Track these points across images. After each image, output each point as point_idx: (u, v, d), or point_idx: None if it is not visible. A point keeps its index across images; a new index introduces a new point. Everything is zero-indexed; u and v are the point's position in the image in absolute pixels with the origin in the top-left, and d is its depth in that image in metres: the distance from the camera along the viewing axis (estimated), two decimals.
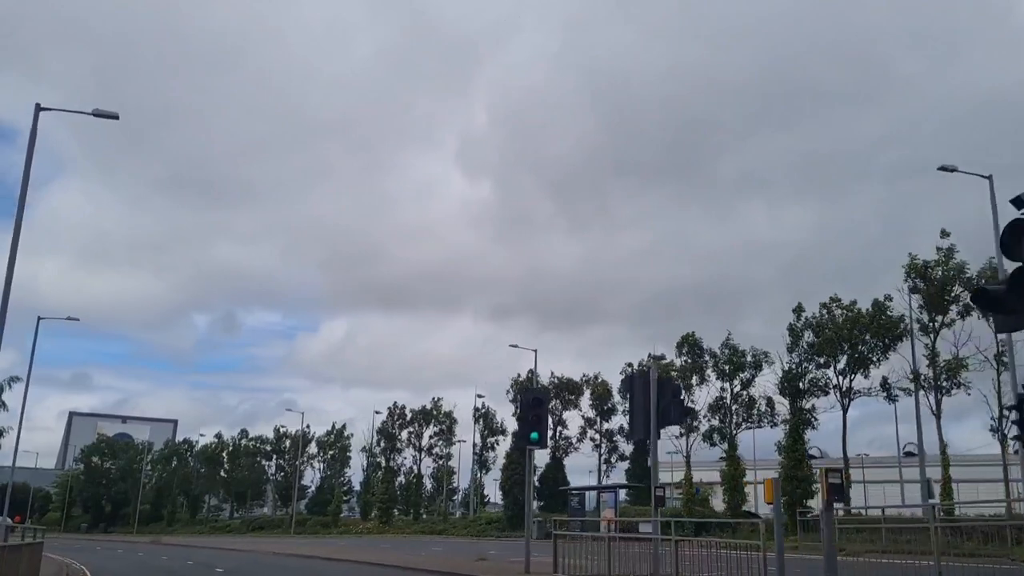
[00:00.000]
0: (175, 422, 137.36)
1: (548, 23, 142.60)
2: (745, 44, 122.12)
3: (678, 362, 48.88)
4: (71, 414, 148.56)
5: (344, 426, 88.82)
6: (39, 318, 45.56)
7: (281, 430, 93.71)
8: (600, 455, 62.73)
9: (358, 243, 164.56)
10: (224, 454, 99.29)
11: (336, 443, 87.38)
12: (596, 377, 63.70)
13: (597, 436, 63.04)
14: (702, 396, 47.58)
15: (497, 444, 72.02)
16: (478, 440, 72.29)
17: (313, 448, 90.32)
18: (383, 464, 76.95)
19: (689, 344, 48.59)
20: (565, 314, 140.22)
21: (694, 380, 47.58)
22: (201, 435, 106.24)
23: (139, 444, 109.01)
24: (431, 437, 76.82)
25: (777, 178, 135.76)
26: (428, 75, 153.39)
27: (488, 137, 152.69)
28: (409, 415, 77.27)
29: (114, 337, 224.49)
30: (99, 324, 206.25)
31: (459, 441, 76.90)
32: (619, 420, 60.83)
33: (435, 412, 76.12)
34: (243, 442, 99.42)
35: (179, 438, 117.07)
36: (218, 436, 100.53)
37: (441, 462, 78.32)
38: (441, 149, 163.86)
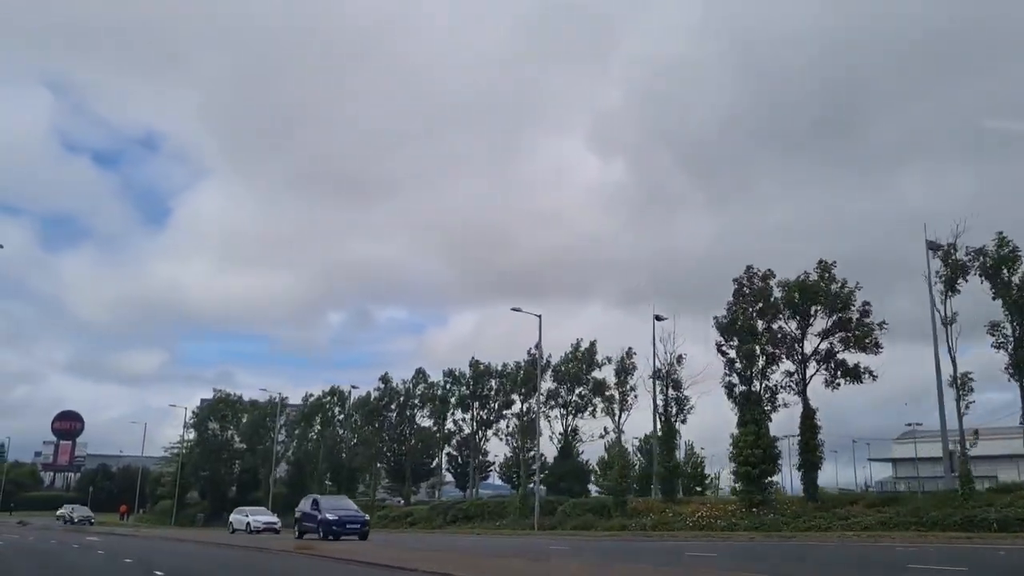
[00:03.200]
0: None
1: None
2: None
3: None
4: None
5: None
6: None
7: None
8: None
9: (487, 232, 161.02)
10: (394, 405, 65.82)
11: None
12: None
13: None
14: None
15: None
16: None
17: None
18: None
19: None
20: (700, 296, 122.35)
21: None
22: (354, 387, 73.34)
23: (271, 398, 77.01)
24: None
25: (938, 142, 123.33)
26: (561, 55, 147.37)
27: (622, 114, 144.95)
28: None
29: (252, 336, 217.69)
30: (239, 322, 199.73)
31: None
32: None
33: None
34: (419, 388, 65.80)
35: None
36: (384, 380, 67.07)
37: None
38: (573, 131, 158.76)
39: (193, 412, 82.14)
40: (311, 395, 77.70)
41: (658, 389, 44.31)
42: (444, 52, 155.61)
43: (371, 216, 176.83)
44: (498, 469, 65.33)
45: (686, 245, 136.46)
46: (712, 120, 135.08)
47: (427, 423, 67.25)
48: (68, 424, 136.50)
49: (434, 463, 74.46)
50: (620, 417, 45.59)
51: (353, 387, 71.93)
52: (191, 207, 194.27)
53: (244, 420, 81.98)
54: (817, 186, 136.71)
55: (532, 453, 49.52)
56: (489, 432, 59.94)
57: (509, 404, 59.54)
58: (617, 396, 45.64)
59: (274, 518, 45.84)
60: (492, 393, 59.71)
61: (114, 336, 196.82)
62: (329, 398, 71.48)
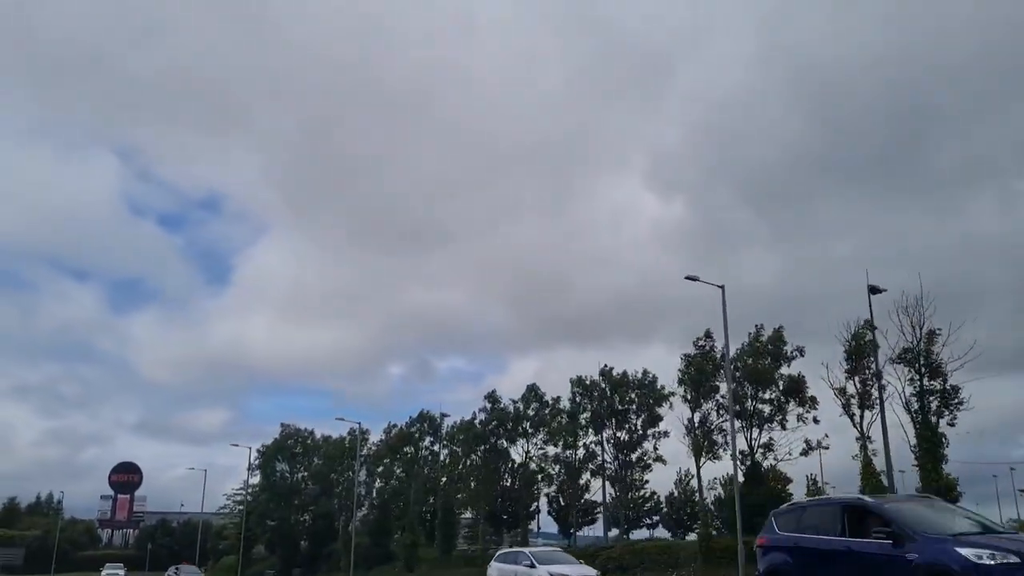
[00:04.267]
0: None
1: (742, 21, 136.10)
2: (968, 17, 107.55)
3: None
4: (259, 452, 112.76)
5: None
6: None
7: None
8: None
9: (545, 277, 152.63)
10: (501, 430, 52.82)
11: None
12: None
13: None
14: None
15: None
16: None
17: None
18: None
19: None
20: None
21: None
22: (444, 415, 60.56)
23: (350, 431, 64.65)
24: None
25: (1009, 163, 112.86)
26: (616, 95, 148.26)
27: (680, 151, 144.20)
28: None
29: (313, 391, 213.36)
30: (300, 378, 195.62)
31: None
32: None
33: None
34: (531, 407, 52.89)
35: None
36: (491, 399, 54.26)
37: None
38: (630, 170, 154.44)
39: (258, 451, 70.57)
40: (394, 426, 65.51)
41: (904, 377, 30.74)
42: (498, 99, 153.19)
43: (429, 265, 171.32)
44: (652, 503, 51.62)
45: (750, 280, 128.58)
46: (772, 152, 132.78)
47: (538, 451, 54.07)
48: (125, 476, 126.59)
49: (533, 505, 61.29)
50: (860, 417, 31.74)
51: (444, 414, 59.50)
52: (252, 264, 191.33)
53: (316, 461, 70.09)
54: (882, 215, 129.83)
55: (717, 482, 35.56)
56: (633, 456, 46.34)
57: (654, 420, 46.25)
58: (854, 387, 31.90)
59: None
60: (634, 407, 46.45)
61: (179, 395, 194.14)
62: (418, 425, 58.99)
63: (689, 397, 39.74)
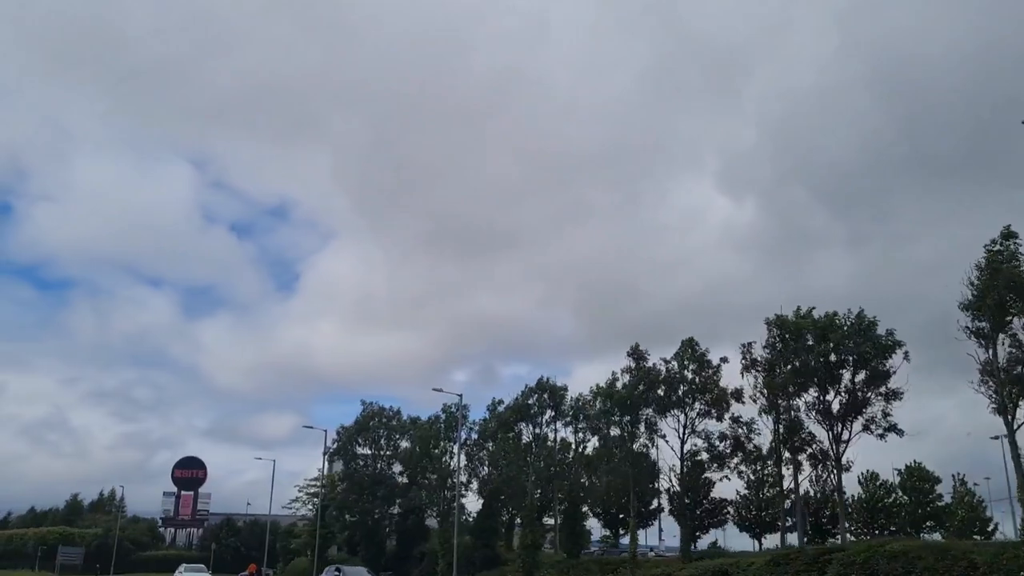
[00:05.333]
0: None
1: (822, 17, 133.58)
2: None
3: None
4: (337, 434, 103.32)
5: None
6: None
7: None
8: None
9: (613, 282, 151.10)
10: (650, 396, 40.52)
11: None
12: None
13: None
14: None
15: None
16: None
17: None
18: None
19: None
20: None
21: None
22: (561, 387, 48.74)
23: (444, 409, 53.40)
24: None
25: None
26: (689, 96, 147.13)
27: (755, 152, 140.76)
28: None
29: (380, 397, 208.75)
30: (367, 384, 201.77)
31: None
32: None
33: None
34: (688, 368, 40.64)
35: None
36: (636, 355, 42.00)
37: None
38: (702, 172, 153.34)
39: (336, 432, 59.83)
40: (500, 402, 53.98)
41: None
42: (570, 102, 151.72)
43: (496, 271, 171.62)
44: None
45: (824, 283, 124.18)
46: (852, 151, 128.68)
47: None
48: (189, 472, 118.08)
49: (654, 502, 49.19)
50: None
51: (560, 386, 47.78)
52: (320, 270, 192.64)
53: (404, 445, 59.19)
54: (965, 216, 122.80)
55: None
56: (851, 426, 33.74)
57: (882, 376, 33.56)
58: None
59: None
60: (850, 360, 33.84)
61: (247, 401, 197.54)
62: (537, 397, 47.37)
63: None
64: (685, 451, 40.48)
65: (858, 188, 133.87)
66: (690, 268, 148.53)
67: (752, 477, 42.95)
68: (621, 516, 51.19)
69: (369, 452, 59.43)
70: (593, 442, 47.97)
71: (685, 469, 40.55)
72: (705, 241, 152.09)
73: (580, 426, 47.64)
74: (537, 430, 47.70)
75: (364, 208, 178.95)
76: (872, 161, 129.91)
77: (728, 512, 44.90)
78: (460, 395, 48.95)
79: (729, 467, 39.97)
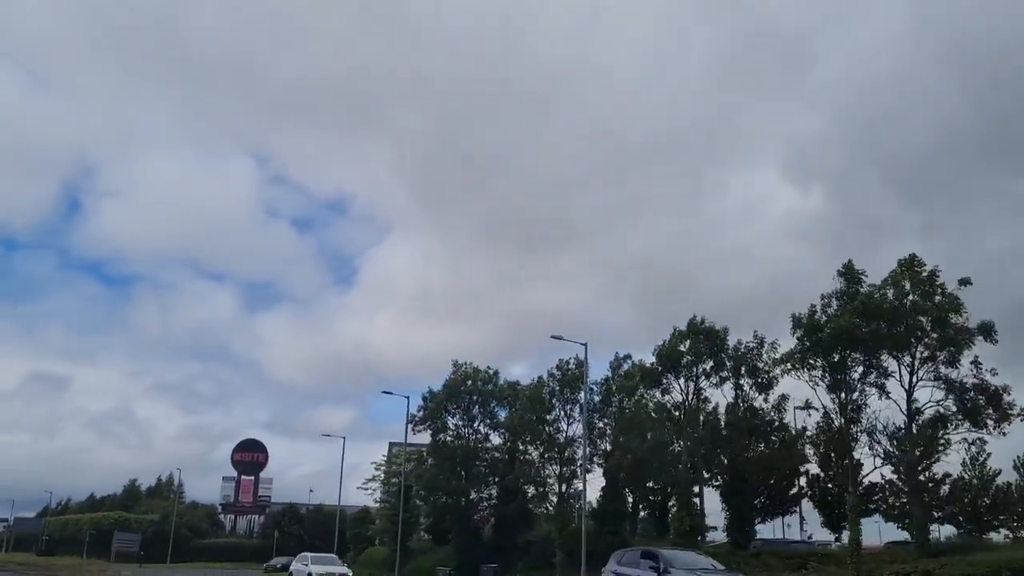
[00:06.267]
0: None
1: None
2: None
3: None
4: (391, 444, 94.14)
5: None
6: None
7: None
8: None
9: (673, 273, 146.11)
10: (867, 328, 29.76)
11: None
12: None
13: None
14: None
15: None
16: None
17: None
18: None
19: None
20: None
21: None
22: (721, 330, 37.96)
23: (561, 365, 43.13)
24: None
25: None
26: (754, 84, 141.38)
27: (823, 139, 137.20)
28: None
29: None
30: (425, 378, 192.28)
31: None
32: None
33: None
34: (908, 296, 29.67)
35: None
36: (848, 275, 31.24)
37: None
38: (767, 162, 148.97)
39: (423, 398, 50.11)
40: (626, 357, 43.61)
41: None
42: (631, 93, 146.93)
43: (556, 263, 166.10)
44: None
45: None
46: (923, 136, 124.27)
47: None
48: (250, 456, 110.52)
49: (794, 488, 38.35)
50: None
51: (719, 329, 37.03)
52: (378, 264, 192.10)
53: (502, 416, 49.38)
54: None
55: None
56: None
57: None
58: None
59: None
60: None
61: (307, 394, 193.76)
62: (692, 340, 36.76)
63: None
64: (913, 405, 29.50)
65: (932, 174, 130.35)
66: (752, 259, 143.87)
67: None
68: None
69: (461, 422, 49.62)
70: (758, 400, 37.27)
71: (915, 428, 29.56)
72: (769, 231, 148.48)
73: (745, 381, 36.91)
74: (691, 384, 37.05)
75: (423, 201, 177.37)
76: (947, 145, 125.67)
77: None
78: (584, 344, 38.67)
79: (987, 426, 28.84)
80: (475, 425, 49.81)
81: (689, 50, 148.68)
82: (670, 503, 38.81)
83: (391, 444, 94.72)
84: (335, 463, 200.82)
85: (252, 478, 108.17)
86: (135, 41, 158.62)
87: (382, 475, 60.20)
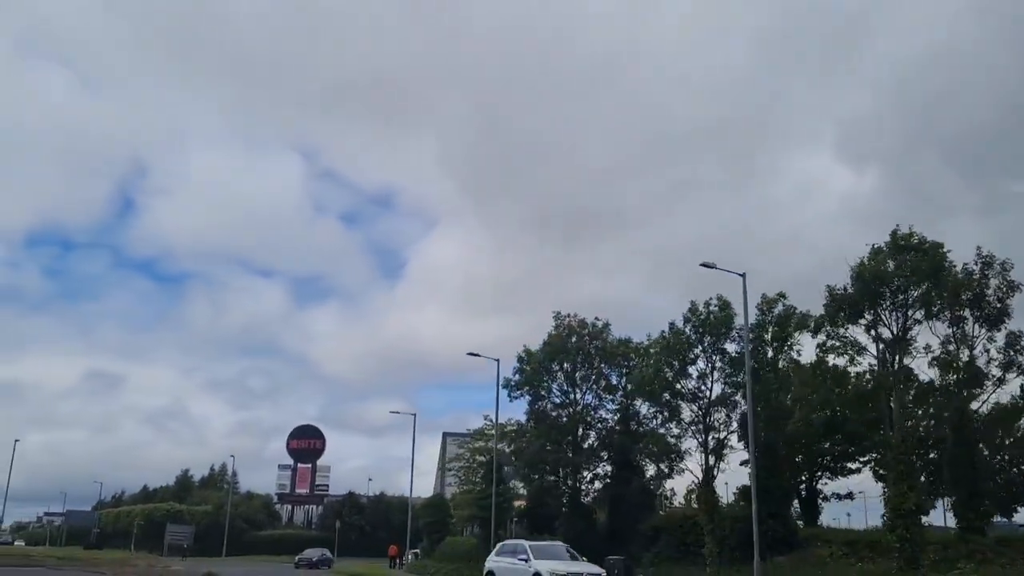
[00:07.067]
0: None
1: None
2: None
3: None
4: (444, 435, 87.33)
5: None
6: None
7: None
8: None
9: (723, 260, 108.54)
10: None
11: None
12: None
13: None
14: None
15: None
16: None
17: None
18: None
19: None
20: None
21: None
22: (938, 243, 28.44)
23: (710, 303, 34.03)
24: None
25: None
26: (804, 64, 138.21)
27: (877, 118, 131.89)
28: None
29: (481, 386, 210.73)
30: (471, 371, 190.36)
31: None
32: None
33: None
34: None
35: None
36: None
37: None
38: (819, 143, 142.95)
39: (518, 360, 41.39)
40: (776, 296, 34.42)
41: None
42: (679, 77, 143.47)
43: (602, 252, 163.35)
44: None
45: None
46: (985, 111, 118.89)
47: None
48: (307, 443, 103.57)
49: None
50: None
51: (936, 243, 27.59)
52: (425, 257, 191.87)
53: (619, 379, 40.45)
54: None
55: None
56: None
57: None
58: None
59: None
60: None
61: (355, 388, 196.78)
62: (897, 259, 27.30)
63: None
64: None
65: (993, 151, 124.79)
66: (805, 243, 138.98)
67: None
68: None
69: (566, 387, 40.90)
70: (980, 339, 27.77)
71: None
72: (822, 215, 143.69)
73: (968, 313, 27.47)
74: (897, 318, 27.59)
75: (469, 192, 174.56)
76: (1008, 121, 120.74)
77: None
78: (743, 274, 29.59)
79: None
80: (583, 389, 40.98)
81: (738, 32, 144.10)
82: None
83: (445, 435, 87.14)
84: (383, 457, 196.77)
85: (309, 466, 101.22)
86: (184, 39, 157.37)
87: (466, 453, 51.72)
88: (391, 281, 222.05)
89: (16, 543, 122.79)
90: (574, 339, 40.37)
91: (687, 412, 34.92)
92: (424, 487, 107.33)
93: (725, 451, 33.94)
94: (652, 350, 35.72)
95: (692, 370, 33.68)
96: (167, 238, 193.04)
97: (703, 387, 34.35)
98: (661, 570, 35.24)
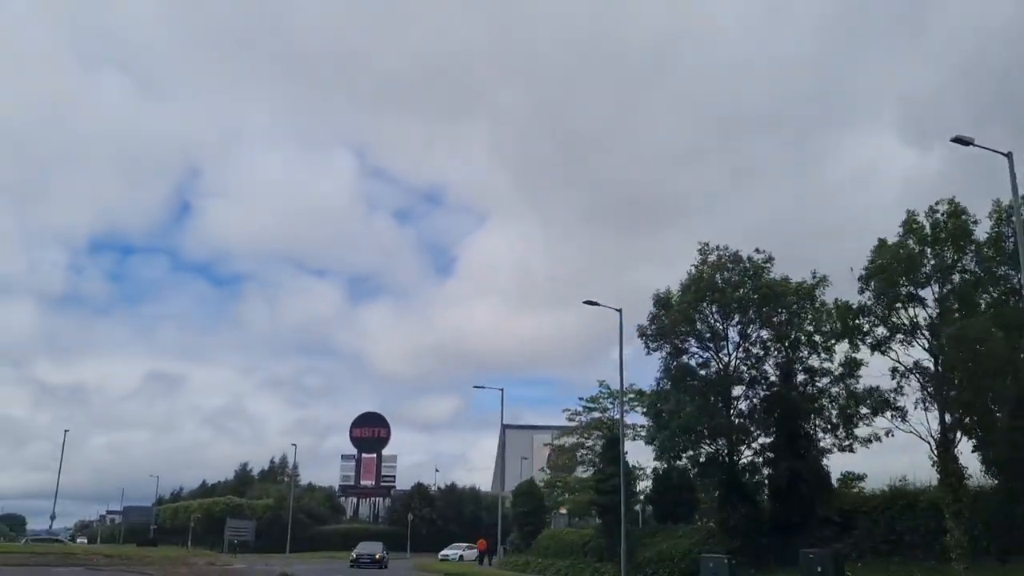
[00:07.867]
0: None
1: None
2: None
3: None
4: (504, 427, 77.49)
5: None
6: None
7: None
8: None
9: (784, 246, 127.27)
10: None
11: None
12: None
13: None
14: None
15: None
16: None
17: None
18: None
19: None
20: None
21: None
22: None
23: (936, 212, 25.27)
24: None
25: None
26: (869, 45, 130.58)
27: (944, 96, 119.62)
28: None
29: (533, 380, 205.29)
30: (524, 366, 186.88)
31: None
32: None
33: None
34: None
35: None
36: None
37: None
38: (883, 124, 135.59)
39: (654, 305, 32.97)
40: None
41: None
42: (738, 59, 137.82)
43: (660, 241, 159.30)
44: None
45: None
46: None
47: None
48: (371, 431, 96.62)
49: None
50: None
51: None
52: (478, 251, 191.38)
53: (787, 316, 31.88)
54: None
55: None
56: None
57: None
58: None
59: None
60: None
61: (409, 385, 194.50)
62: None
63: None
64: None
65: None
66: (868, 227, 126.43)
67: None
68: None
69: (717, 337, 32.28)
70: None
71: None
72: (886, 197, 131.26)
73: None
74: None
75: (521, 184, 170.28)
76: None
77: None
78: (1008, 153, 20.87)
79: None
80: (738, 341, 32.33)
81: (798, 12, 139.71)
82: None
83: (505, 427, 79.18)
84: (439, 453, 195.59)
85: (373, 456, 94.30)
86: (237, 41, 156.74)
87: (583, 422, 43.47)
88: (444, 277, 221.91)
89: (79, 541, 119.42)
90: (723, 275, 31.71)
91: (902, 355, 26.06)
92: (482, 481, 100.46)
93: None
94: (878, 260, 26.62)
95: (926, 293, 24.69)
96: (223, 240, 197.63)
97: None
98: (874, 564, 26.55)
